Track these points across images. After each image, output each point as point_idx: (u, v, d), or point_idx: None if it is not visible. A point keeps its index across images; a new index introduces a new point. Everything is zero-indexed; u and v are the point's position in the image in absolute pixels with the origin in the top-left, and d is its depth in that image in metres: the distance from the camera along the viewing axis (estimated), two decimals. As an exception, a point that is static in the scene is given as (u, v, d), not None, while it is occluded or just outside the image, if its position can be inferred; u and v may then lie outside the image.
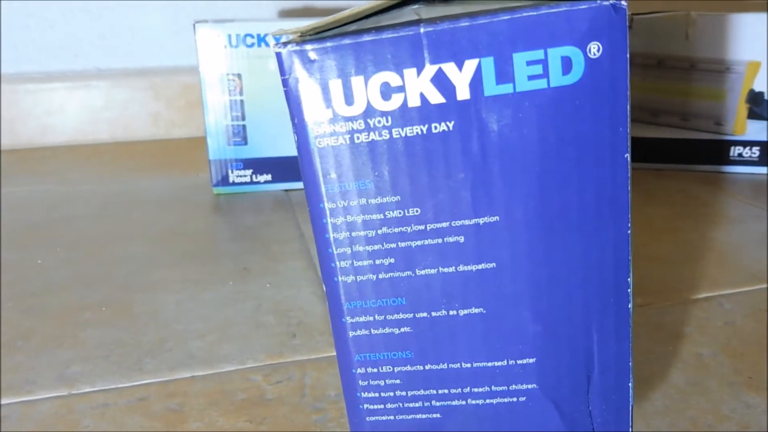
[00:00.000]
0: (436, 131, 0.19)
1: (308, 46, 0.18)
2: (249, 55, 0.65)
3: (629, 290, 0.21)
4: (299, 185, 0.70)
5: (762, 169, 0.73)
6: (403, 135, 0.19)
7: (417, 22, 0.18)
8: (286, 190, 0.70)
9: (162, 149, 0.91)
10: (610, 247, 0.20)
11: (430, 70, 0.18)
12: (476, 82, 0.18)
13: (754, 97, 0.71)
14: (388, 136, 0.19)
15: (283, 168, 0.69)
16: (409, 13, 0.20)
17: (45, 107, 0.93)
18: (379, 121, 0.19)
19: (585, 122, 0.19)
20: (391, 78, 0.19)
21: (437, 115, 0.19)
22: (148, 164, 0.83)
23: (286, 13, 0.99)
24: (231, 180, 0.68)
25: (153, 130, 0.98)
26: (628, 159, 0.19)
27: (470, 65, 0.18)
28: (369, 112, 0.19)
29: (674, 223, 0.57)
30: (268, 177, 0.69)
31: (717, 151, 0.73)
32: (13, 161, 0.85)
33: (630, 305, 0.21)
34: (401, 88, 0.19)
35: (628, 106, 0.18)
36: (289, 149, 0.68)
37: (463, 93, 0.19)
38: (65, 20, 0.93)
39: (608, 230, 0.20)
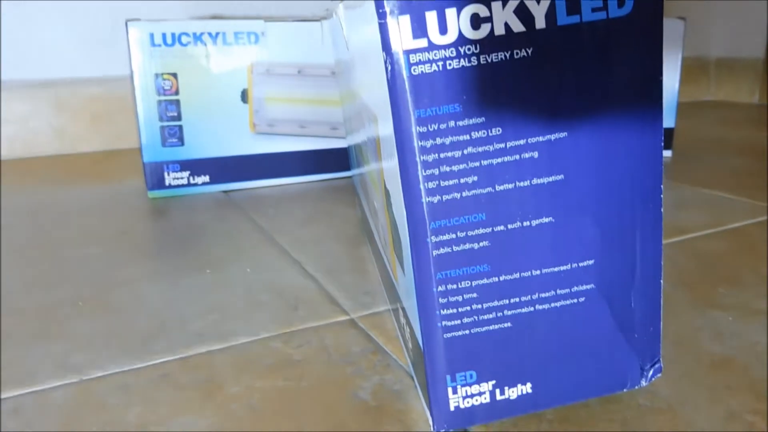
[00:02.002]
0: (518, 57, 0.22)
1: (407, -19, 0.20)
2: (185, 54, 0.64)
3: (662, 195, 0.24)
4: (239, 186, 0.69)
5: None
6: (489, 61, 0.22)
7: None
8: (226, 191, 0.69)
9: (71, 164, 0.86)
10: (650, 152, 0.24)
11: (513, 2, 0.21)
12: (550, 14, 0.22)
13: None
14: (476, 62, 0.22)
15: (222, 168, 0.68)
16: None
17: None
18: (469, 49, 0.21)
19: (633, 47, 0.22)
20: (480, 9, 0.21)
21: (519, 42, 0.22)
22: (65, 177, 0.78)
23: (195, 22, 0.98)
24: (167, 183, 0.67)
25: (57, 145, 0.92)
26: (662, 80, 0.23)
27: (545, -2, 0.21)
28: (460, 40, 0.21)
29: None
30: (206, 178, 0.68)
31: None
32: None
33: (662, 208, 0.25)
34: (488, 19, 0.21)
35: (662, 37, 0.22)
36: (228, 148, 0.68)
37: (540, 23, 0.22)
38: (-52, 28, 0.86)
39: (648, 137, 0.23)
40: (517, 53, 0.22)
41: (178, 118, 0.65)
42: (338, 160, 0.72)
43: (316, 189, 0.69)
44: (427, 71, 0.21)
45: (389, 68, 0.21)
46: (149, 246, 0.51)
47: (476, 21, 0.21)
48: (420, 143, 0.22)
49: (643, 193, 0.24)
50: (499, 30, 0.21)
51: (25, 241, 0.53)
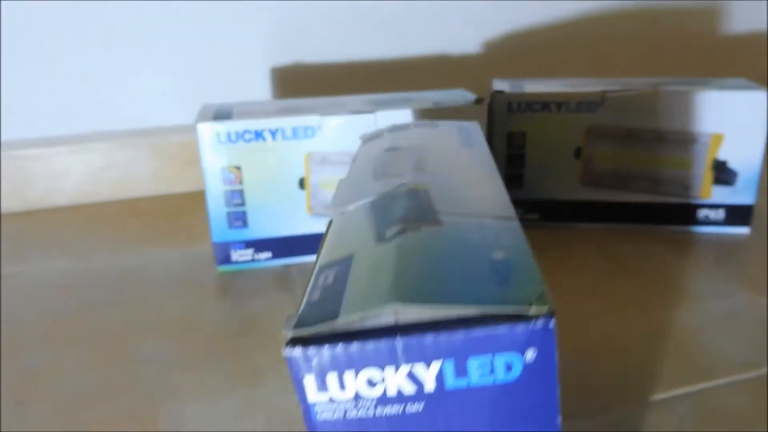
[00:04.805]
0: (409, 412, 0.24)
1: (310, 352, 0.24)
2: (247, 149, 0.70)
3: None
4: (297, 260, 0.75)
5: (727, 229, 0.79)
6: (384, 413, 0.25)
7: (395, 332, 0.24)
8: (285, 266, 0.75)
9: (164, 206, 0.96)
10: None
11: (404, 369, 0.24)
12: (440, 378, 0.24)
13: (719, 166, 0.76)
14: (372, 414, 0.25)
15: (282, 246, 0.74)
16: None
17: (49, 171, 0.97)
18: (365, 403, 0.24)
19: (522, 408, 0.24)
20: (375, 374, 0.24)
21: (410, 400, 0.24)
22: (154, 227, 0.88)
23: (278, 71, 1.03)
24: (233, 259, 0.74)
25: (154, 186, 1.03)
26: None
27: (435, 365, 0.24)
28: (357, 397, 0.24)
29: (638, 302, 0.63)
30: (268, 254, 0.75)
31: (685, 213, 0.79)
32: (20, 226, 0.89)
33: None
34: (382, 381, 0.24)
35: (558, 393, 0.24)
36: (287, 229, 0.74)
37: (429, 386, 0.24)
38: (65, 87, 0.97)
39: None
40: (408, 409, 0.24)
41: (243, 204, 0.72)
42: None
43: (367, 268, 0.73)
44: (329, 418, 0.25)
45: (302, 410, 0.25)
46: (202, 344, 0.58)
47: (371, 383, 0.24)
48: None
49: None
50: (392, 391, 0.24)
51: (98, 329, 0.62)
